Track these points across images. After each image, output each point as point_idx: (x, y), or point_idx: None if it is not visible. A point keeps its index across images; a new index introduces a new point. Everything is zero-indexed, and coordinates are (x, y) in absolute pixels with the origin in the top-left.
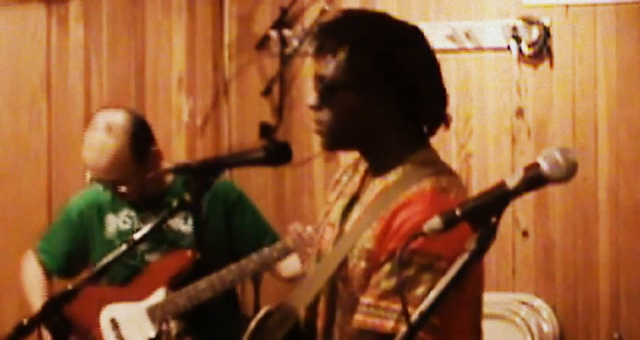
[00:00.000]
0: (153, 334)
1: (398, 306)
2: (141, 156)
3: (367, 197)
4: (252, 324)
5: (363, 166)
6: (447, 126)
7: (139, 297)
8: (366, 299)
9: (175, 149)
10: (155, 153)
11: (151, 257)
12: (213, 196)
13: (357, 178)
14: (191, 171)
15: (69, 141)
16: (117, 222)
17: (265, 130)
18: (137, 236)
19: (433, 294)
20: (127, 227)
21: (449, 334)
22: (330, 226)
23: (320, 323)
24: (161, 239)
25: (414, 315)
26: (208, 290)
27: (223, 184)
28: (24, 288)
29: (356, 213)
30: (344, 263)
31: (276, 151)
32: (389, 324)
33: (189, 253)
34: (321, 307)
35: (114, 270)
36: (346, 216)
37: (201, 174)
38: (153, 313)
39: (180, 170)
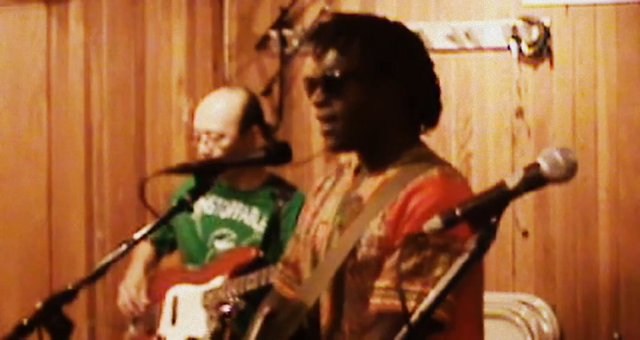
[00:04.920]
0: (201, 315)
1: (416, 287)
2: (245, 122)
3: (366, 191)
4: (259, 321)
5: (350, 168)
6: (434, 127)
7: (202, 281)
8: (383, 283)
9: (175, 149)
10: (256, 131)
11: (220, 245)
12: (290, 208)
13: (348, 178)
14: (191, 171)
15: (69, 141)
16: (204, 205)
17: (265, 130)
18: (137, 235)
19: (433, 294)
20: (209, 212)
21: (457, 323)
22: (324, 224)
23: (325, 320)
24: (232, 230)
25: (415, 315)
26: (255, 282)
27: (304, 200)
28: (132, 257)
29: (354, 207)
30: (352, 254)
31: (276, 151)
32: (410, 305)
33: (253, 250)
34: (326, 303)
35: (190, 248)
36: (341, 212)
37: (201, 174)
38: (206, 296)
39: (180, 170)
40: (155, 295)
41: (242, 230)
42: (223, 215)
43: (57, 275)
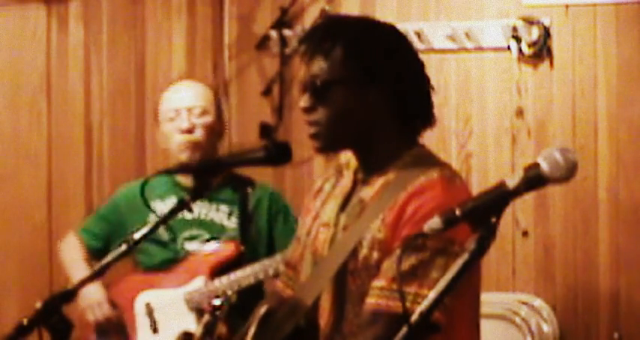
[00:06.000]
0: (190, 318)
1: (412, 289)
2: (221, 107)
3: (366, 193)
4: (255, 320)
5: (349, 169)
6: (432, 125)
7: (178, 284)
8: (378, 283)
9: None
10: (226, 124)
11: (191, 247)
12: (259, 199)
13: (346, 180)
14: (191, 171)
15: (69, 141)
16: (162, 207)
17: (265, 130)
18: (137, 235)
19: (433, 294)
20: None
21: (455, 324)
22: (325, 226)
23: (324, 321)
24: (203, 230)
25: (415, 315)
26: (250, 276)
27: (270, 191)
28: (64, 264)
29: (355, 209)
30: (352, 256)
31: (276, 151)
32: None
33: (233, 245)
34: (326, 304)
35: (152, 254)
36: (342, 215)
37: (201, 174)
38: (191, 298)
39: (180, 170)
40: (119, 305)
41: (214, 229)
42: (189, 215)
43: (57, 275)
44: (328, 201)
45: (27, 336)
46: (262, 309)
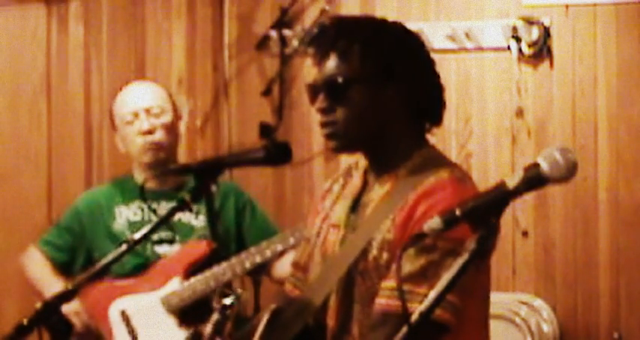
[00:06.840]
0: (170, 321)
1: (422, 290)
2: (176, 106)
3: (376, 193)
4: (264, 320)
5: (358, 170)
6: (439, 125)
7: (152, 288)
8: (388, 283)
9: None
10: (181, 122)
11: (161, 249)
12: (225, 195)
13: (356, 180)
14: (191, 171)
15: (69, 141)
16: (127, 213)
17: (265, 130)
18: (137, 235)
19: (433, 294)
20: (137, 218)
21: (464, 324)
22: (335, 227)
23: (332, 321)
24: (172, 232)
25: (415, 315)
26: (227, 271)
27: (234, 186)
28: (32, 279)
29: (366, 210)
30: (362, 257)
31: (276, 151)
32: (415, 306)
33: (205, 243)
34: (334, 304)
35: (123, 262)
36: (352, 216)
37: (201, 174)
38: (168, 301)
39: (180, 170)
40: (91, 316)
41: (183, 229)
42: (156, 218)
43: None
44: (338, 202)
45: (27, 336)
46: (271, 307)
